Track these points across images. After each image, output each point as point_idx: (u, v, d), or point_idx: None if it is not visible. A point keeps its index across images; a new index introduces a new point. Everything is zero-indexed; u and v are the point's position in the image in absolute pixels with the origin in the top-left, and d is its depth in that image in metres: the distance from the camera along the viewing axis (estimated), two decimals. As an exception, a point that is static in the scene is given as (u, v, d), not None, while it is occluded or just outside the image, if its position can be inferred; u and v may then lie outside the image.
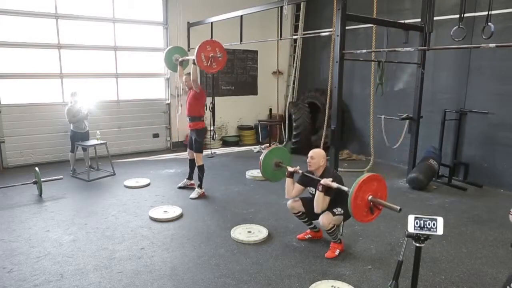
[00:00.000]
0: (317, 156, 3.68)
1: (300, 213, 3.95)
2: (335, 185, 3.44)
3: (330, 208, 3.64)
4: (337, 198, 3.59)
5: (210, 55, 5.14)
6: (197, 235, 4.29)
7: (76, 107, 6.41)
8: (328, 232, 3.71)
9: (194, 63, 5.16)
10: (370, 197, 3.13)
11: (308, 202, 3.85)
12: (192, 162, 5.72)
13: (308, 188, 3.85)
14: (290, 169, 3.91)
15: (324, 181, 3.48)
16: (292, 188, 3.89)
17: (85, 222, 4.57)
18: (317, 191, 3.55)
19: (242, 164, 7.34)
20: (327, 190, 3.49)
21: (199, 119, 5.45)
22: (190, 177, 5.88)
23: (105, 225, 4.51)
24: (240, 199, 5.46)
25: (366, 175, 3.15)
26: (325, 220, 3.60)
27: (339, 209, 3.63)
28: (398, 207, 2.95)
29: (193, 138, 5.51)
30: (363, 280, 3.38)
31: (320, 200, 3.53)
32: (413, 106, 6.16)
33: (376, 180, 3.19)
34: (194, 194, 5.51)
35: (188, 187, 5.84)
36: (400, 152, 6.85)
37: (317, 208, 3.58)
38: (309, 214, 3.90)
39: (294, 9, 9.60)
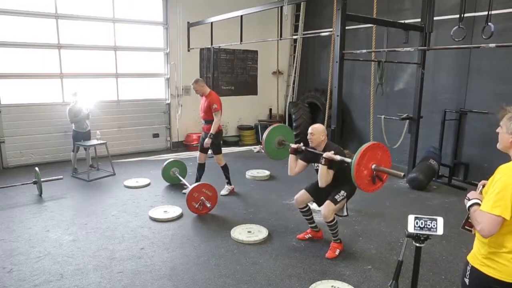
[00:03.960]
0: (316, 131, 3.71)
1: (306, 208, 3.98)
2: (337, 157, 3.45)
3: (333, 189, 3.66)
4: (340, 176, 3.59)
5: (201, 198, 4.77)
6: (197, 235, 4.29)
7: (76, 107, 6.44)
8: (329, 224, 3.72)
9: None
10: (373, 166, 3.10)
11: (314, 189, 3.85)
12: (201, 166, 5.59)
13: (313, 164, 3.85)
14: (293, 145, 3.96)
15: (326, 154, 3.50)
16: (295, 165, 3.93)
17: (85, 222, 4.57)
18: (320, 165, 3.56)
19: (242, 164, 7.33)
20: (330, 163, 3.51)
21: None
22: (197, 181, 5.44)
23: (105, 225, 4.51)
24: (240, 199, 5.46)
25: (370, 143, 3.12)
26: (326, 211, 3.64)
27: (341, 192, 3.66)
28: (402, 173, 2.94)
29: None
30: (363, 280, 3.38)
31: (323, 174, 3.54)
32: (413, 106, 6.16)
33: (380, 150, 3.15)
34: (224, 191, 5.61)
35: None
36: (400, 152, 6.85)
37: (321, 182, 3.58)
38: (319, 199, 3.89)
39: (294, 9, 9.59)
